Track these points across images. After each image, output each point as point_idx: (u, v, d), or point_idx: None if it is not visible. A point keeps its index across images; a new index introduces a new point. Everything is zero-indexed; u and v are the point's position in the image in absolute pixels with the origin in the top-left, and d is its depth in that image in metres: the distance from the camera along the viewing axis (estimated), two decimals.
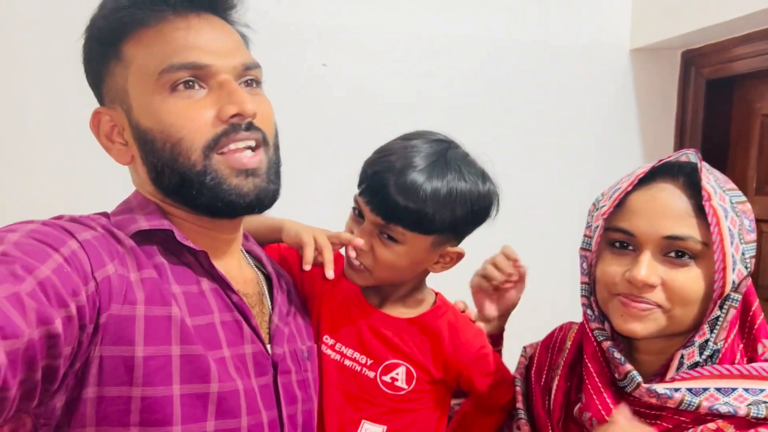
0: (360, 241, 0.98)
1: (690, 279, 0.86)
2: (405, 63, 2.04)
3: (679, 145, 2.27)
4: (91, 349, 0.67)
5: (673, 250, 0.86)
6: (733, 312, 0.88)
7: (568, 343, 1.06)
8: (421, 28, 2.04)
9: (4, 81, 1.77)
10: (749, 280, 0.89)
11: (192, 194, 0.78)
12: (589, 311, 0.97)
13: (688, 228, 0.85)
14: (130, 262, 0.73)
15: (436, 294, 1.12)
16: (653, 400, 0.87)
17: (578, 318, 1.09)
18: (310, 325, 1.02)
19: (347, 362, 1.03)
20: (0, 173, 1.78)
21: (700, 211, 0.86)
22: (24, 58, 1.78)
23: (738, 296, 0.87)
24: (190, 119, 0.76)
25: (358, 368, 1.03)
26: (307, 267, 0.98)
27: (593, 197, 1.00)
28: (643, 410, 0.89)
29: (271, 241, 1.08)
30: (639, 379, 0.88)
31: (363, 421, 1.02)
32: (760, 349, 0.90)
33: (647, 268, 0.86)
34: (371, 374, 1.02)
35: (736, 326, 0.90)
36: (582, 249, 1.00)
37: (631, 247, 0.90)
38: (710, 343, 0.88)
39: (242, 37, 0.87)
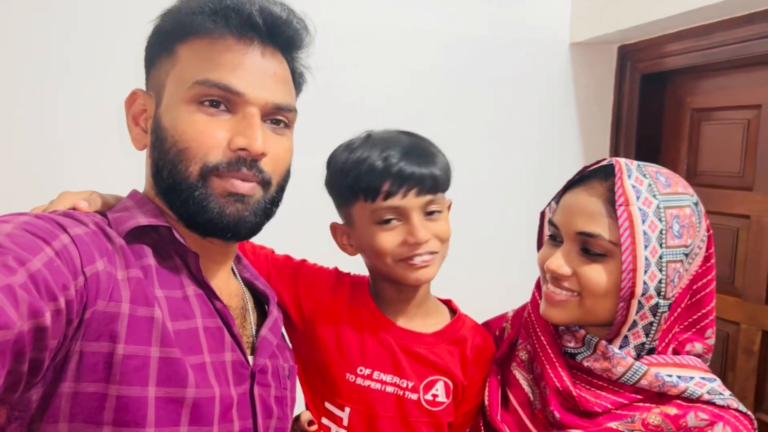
0: (423, 234, 0.97)
1: (597, 273, 0.91)
2: (353, 57, 2.04)
3: (616, 136, 2.36)
4: (72, 343, 0.67)
5: (586, 246, 0.92)
6: (664, 317, 0.93)
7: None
8: (368, 20, 2.05)
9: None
10: (675, 287, 0.92)
11: (177, 202, 0.80)
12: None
13: (599, 227, 0.90)
14: (118, 261, 0.73)
15: (448, 301, 1.14)
16: (606, 363, 0.92)
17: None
18: (290, 348, 1.02)
19: (389, 389, 1.02)
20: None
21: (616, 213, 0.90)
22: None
23: (665, 302, 0.91)
24: (202, 134, 0.78)
25: (401, 393, 1.02)
26: None
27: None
28: (586, 386, 0.95)
29: None
30: (596, 338, 0.94)
31: None
32: (688, 347, 0.97)
33: (557, 258, 0.94)
34: (414, 396, 1.02)
35: (672, 327, 0.96)
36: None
37: (559, 240, 0.97)
38: (647, 345, 0.94)
39: (297, 76, 0.89)
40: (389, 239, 0.98)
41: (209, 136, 0.78)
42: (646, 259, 0.88)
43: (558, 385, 0.94)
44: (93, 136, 1.78)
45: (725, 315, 2.02)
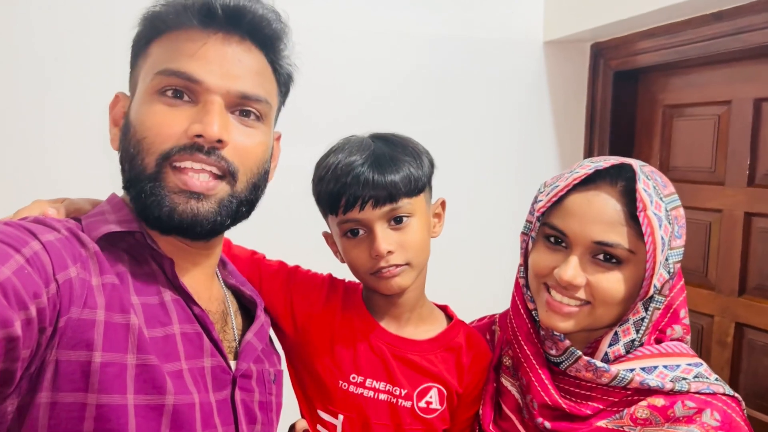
0: (384, 247, 0.96)
1: (614, 282, 0.90)
2: (329, 59, 2.03)
3: (590, 132, 2.38)
4: (47, 352, 0.65)
5: (602, 254, 0.90)
6: (657, 313, 0.93)
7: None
8: (343, 23, 2.04)
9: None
10: (671, 283, 0.93)
11: (134, 196, 0.79)
12: (528, 292, 1.01)
13: (618, 236, 0.88)
14: (92, 267, 0.72)
15: (444, 307, 1.13)
16: (589, 374, 0.91)
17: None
18: (278, 353, 1.01)
19: (382, 396, 1.01)
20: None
21: (632, 219, 0.88)
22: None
23: (662, 299, 0.92)
24: (160, 124, 0.76)
25: (394, 400, 1.01)
26: None
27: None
28: (574, 389, 0.95)
29: None
30: (579, 353, 0.92)
31: None
32: (668, 332, 0.96)
33: (574, 269, 0.90)
34: (408, 404, 1.01)
35: (661, 322, 0.96)
36: (522, 233, 1.02)
37: (563, 244, 0.93)
38: (636, 342, 0.93)
39: (281, 74, 0.86)
40: (357, 253, 0.99)
41: (167, 126, 0.76)
42: (660, 263, 0.88)
43: (546, 399, 0.93)
44: (76, 138, 1.75)
45: (699, 308, 2.05)
